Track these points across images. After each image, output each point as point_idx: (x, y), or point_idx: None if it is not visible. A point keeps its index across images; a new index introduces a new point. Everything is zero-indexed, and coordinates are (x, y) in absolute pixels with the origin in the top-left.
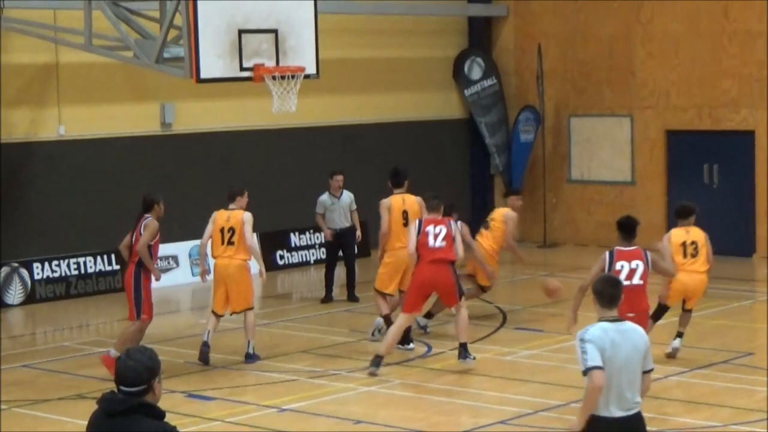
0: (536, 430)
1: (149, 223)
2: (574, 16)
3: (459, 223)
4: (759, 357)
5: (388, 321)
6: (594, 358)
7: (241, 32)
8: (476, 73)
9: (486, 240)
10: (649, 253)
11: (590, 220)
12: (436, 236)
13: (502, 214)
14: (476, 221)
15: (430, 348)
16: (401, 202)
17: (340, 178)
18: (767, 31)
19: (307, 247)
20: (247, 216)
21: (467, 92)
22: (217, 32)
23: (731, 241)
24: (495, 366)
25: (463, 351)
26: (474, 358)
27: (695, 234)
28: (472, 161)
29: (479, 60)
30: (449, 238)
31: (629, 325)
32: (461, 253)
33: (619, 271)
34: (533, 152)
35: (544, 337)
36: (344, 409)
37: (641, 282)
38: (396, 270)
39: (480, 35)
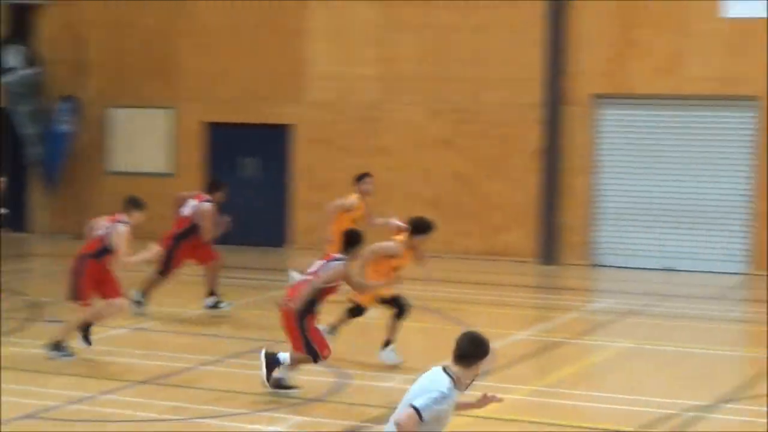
0: (62, 421)
1: None
2: (118, 6)
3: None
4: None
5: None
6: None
7: None
8: (13, 60)
9: None
10: (331, 267)
11: None
12: None
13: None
14: (13, 210)
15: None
16: None
17: None
18: (305, 29)
19: None
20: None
21: (3, 80)
22: None
23: (266, 232)
24: (26, 359)
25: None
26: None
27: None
28: (7, 151)
29: (17, 48)
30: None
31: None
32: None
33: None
34: (73, 143)
35: None
36: None
37: (308, 277)
38: None
39: (20, 22)
